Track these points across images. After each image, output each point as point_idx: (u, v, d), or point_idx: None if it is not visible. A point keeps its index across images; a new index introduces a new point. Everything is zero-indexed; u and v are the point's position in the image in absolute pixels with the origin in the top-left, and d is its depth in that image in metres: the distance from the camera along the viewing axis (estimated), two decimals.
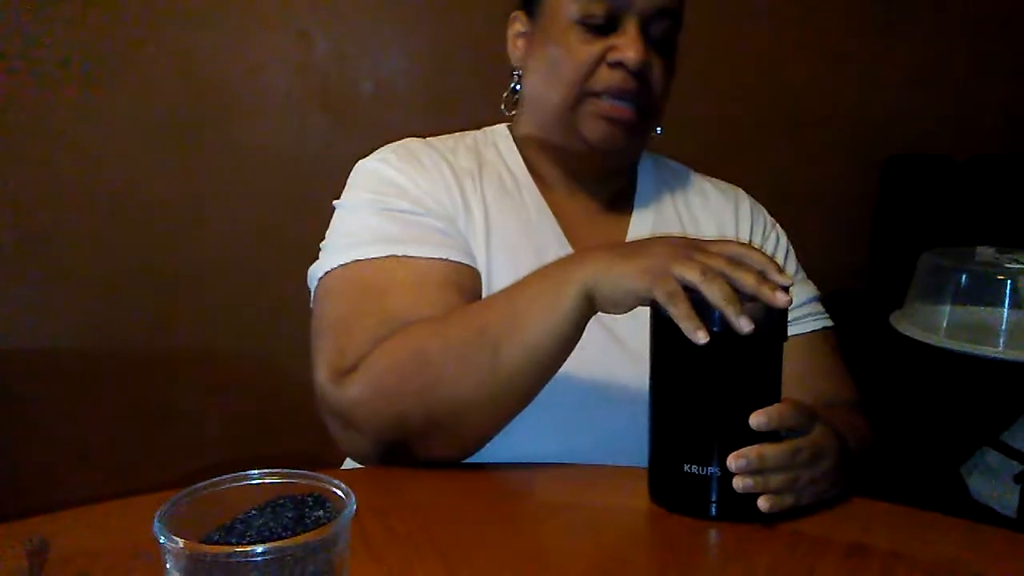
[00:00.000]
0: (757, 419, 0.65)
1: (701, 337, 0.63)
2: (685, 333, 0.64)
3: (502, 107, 1.00)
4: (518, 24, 0.97)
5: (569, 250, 0.91)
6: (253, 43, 1.94)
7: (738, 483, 0.65)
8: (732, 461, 0.65)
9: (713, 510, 0.67)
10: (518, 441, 0.78)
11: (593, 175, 0.97)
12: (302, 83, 1.97)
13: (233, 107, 1.94)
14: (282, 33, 1.95)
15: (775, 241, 1.02)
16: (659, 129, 0.98)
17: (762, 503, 0.66)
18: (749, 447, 0.65)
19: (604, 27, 0.87)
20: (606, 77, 0.87)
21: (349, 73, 2.00)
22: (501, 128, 1.01)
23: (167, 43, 1.88)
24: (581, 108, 0.89)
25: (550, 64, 0.90)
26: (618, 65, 0.87)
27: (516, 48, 0.97)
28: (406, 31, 2.02)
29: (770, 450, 0.66)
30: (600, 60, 0.87)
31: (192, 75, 1.91)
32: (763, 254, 0.70)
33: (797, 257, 1.03)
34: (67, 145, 1.86)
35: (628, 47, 0.86)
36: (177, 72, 1.90)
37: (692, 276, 0.65)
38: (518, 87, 0.97)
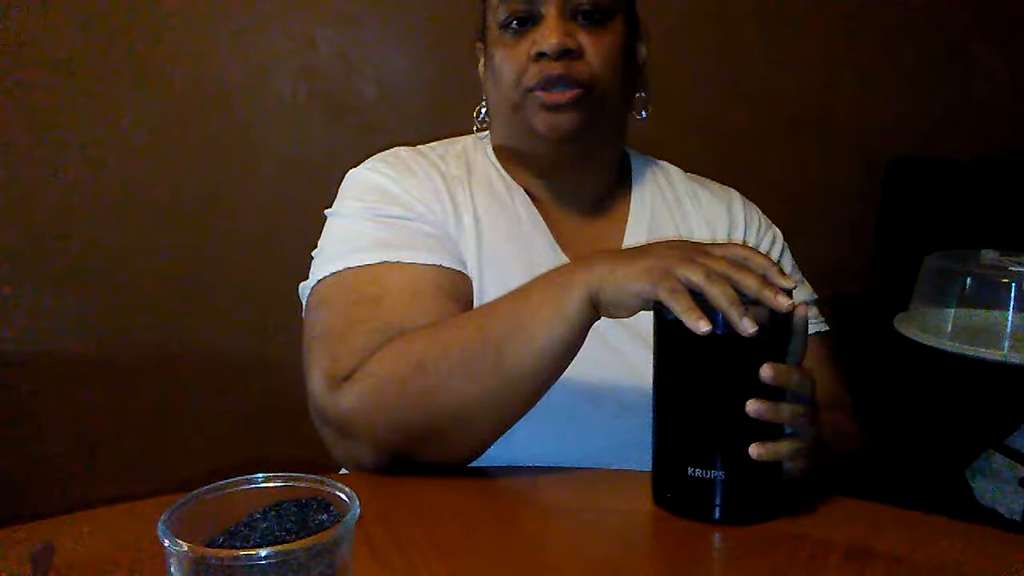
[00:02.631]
0: (767, 372, 0.65)
1: (703, 327, 0.63)
2: (687, 325, 0.64)
3: (475, 128, 1.00)
4: (480, 54, 0.98)
5: (561, 256, 0.91)
6: (256, 47, 1.94)
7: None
8: (755, 450, 0.65)
9: (717, 513, 0.67)
10: (513, 447, 0.78)
11: (567, 171, 0.95)
12: (305, 87, 1.98)
13: (236, 110, 1.95)
14: (285, 37, 1.96)
15: (771, 241, 1.02)
16: (643, 114, 0.98)
17: (754, 448, 0.65)
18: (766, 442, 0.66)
19: (529, 24, 0.88)
20: (535, 71, 0.87)
21: (352, 77, 2.01)
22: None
23: (171, 46, 1.89)
24: (525, 106, 0.89)
25: (495, 75, 0.92)
26: (541, 56, 0.87)
27: (482, 76, 0.98)
28: (409, 35, 2.02)
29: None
30: (528, 57, 0.88)
31: (196, 78, 1.91)
32: (766, 257, 0.70)
33: (799, 259, 1.03)
34: (71, 147, 1.87)
35: (544, 36, 0.86)
36: (181, 75, 1.90)
37: (695, 278, 0.65)
38: (484, 110, 0.98)
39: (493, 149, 0.98)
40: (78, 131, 1.87)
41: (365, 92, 2.01)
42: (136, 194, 1.92)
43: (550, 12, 0.87)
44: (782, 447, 0.66)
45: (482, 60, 0.98)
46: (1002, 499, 1.68)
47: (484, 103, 0.98)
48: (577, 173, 0.96)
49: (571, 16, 0.88)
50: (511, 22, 0.89)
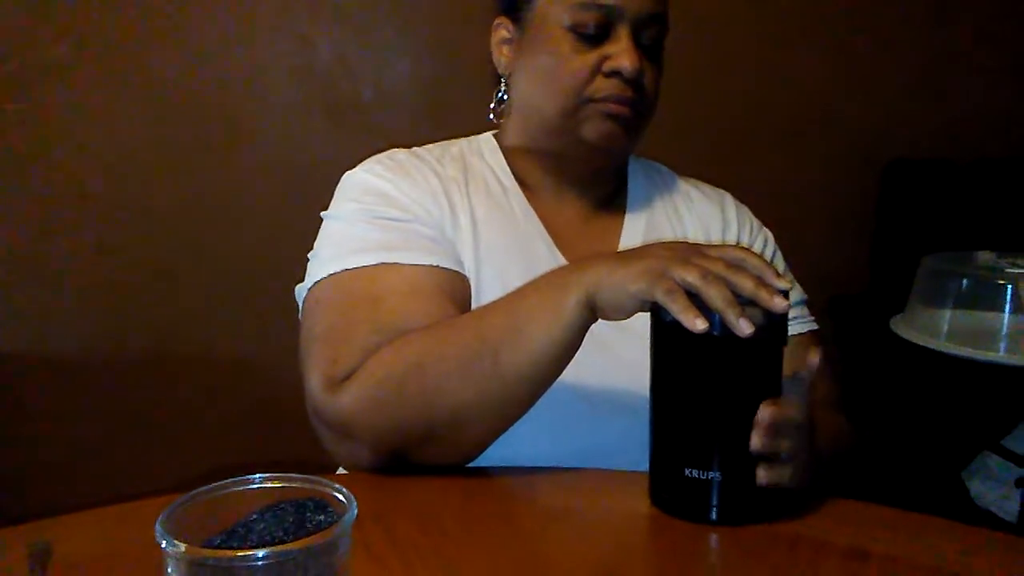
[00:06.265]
0: (765, 413, 0.65)
1: (700, 325, 0.63)
2: (684, 324, 0.64)
3: (490, 116, 0.99)
4: (502, 31, 0.96)
5: (559, 257, 0.91)
6: (255, 48, 1.94)
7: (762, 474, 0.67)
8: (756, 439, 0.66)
9: (714, 514, 0.67)
10: (510, 447, 0.78)
11: (584, 179, 0.96)
12: (304, 88, 1.98)
13: (235, 112, 1.95)
14: (284, 38, 1.95)
15: (763, 243, 1.02)
16: None
17: (761, 473, 0.66)
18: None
19: (596, 35, 0.87)
20: (604, 86, 0.88)
21: (351, 78, 2.00)
22: (487, 136, 1.01)
23: (169, 47, 1.89)
24: (580, 114, 0.89)
25: (543, 73, 0.90)
26: (615, 74, 0.87)
27: (502, 55, 0.96)
28: (408, 36, 2.02)
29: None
30: (596, 69, 0.88)
31: (194, 79, 1.91)
32: (761, 258, 0.70)
33: (796, 260, 1.03)
34: (69, 149, 1.87)
35: (623, 56, 0.86)
36: (179, 76, 1.90)
37: (692, 279, 0.65)
38: (505, 96, 0.97)
39: (503, 145, 0.98)
40: (76, 132, 1.86)
41: (363, 93, 2.01)
42: (133, 195, 1.91)
43: (624, 32, 0.87)
44: (784, 473, 0.67)
45: (502, 35, 0.96)
46: (998, 500, 1.69)
47: (501, 90, 0.97)
48: (593, 180, 0.97)
49: (636, 39, 0.88)
50: (580, 30, 0.88)
